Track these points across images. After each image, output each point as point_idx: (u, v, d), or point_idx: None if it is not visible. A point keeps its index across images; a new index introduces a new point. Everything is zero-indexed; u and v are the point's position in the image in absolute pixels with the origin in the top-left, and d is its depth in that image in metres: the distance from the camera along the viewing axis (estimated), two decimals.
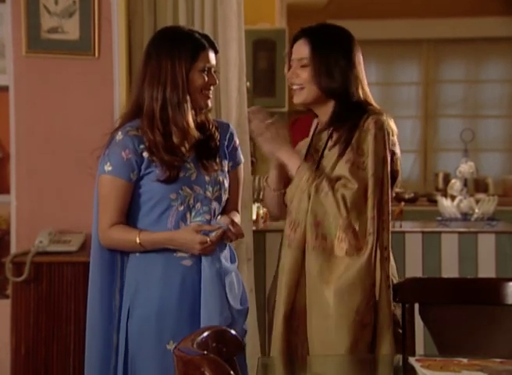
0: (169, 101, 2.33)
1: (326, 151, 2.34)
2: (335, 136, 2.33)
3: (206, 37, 2.42)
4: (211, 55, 2.39)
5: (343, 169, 2.24)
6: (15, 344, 3.23)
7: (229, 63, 3.57)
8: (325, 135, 2.40)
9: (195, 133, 2.35)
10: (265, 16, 6.27)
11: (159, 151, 2.32)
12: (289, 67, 2.41)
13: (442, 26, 7.64)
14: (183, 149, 2.35)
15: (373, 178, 2.22)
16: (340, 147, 2.28)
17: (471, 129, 5.84)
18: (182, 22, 3.53)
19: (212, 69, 2.39)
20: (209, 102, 2.42)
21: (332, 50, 2.34)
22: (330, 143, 2.35)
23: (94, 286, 2.41)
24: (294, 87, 2.38)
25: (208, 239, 2.29)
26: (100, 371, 2.38)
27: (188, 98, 2.33)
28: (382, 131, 2.27)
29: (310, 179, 2.25)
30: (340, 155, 2.27)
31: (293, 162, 2.31)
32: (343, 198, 2.19)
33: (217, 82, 2.41)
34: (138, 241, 2.32)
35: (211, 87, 2.40)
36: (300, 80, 2.36)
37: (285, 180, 2.40)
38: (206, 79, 2.37)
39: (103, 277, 2.39)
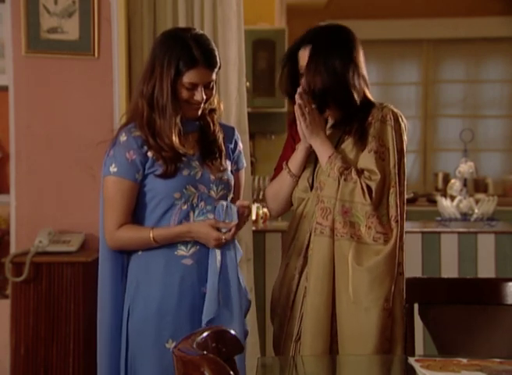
0: (156, 101, 2.33)
1: (341, 145, 2.40)
2: (348, 128, 2.40)
3: (209, 52, 2.34)
4: (204, 72, 2.33)
5: (368, 160, 2.33)
6: (14, 344, 3.23)
7: (229, 63, 3.57)
8: (336, 132, 2.45)
9: (180, 149, 2.34)
10: (265, 16, 6.27)
11: (152, 147, 2.33)
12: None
13: (442, 26, 7.64)
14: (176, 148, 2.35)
15: (394, 169, 2.34)
16: (355, 136, 2.37)
17: (471, 129, 5.84)
18: (181, 22, 3.53)
19: (200, 86, 2.34)
20: (197, 114, 2.39)
21: (331, 53, 2.37)
22: (345, 133, 2.41)
23: (105, 287, 2.41)
24: None
25: (223, 237, 2.30)
26: (114, 370, 2.39)
27: (172, 106, 2.32)
28: (398, 123, 2.39)
29: (341, 168, 2.32)
30: (356, 145, 2.36)
31: (325, 150, 2.37)
32: (369, 188, 2.29)
33: (204, 98, 2.35)
34: (152, 237, 2.32)
35: (202, 102, 2.37)
36: None
37: (302, 168, 2.45)
38: (191, 94, 2.33)
39: (113, 278, 2.40)
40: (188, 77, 2.32)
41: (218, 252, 2.33)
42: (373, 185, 2.29)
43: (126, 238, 2.35)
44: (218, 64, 2.38)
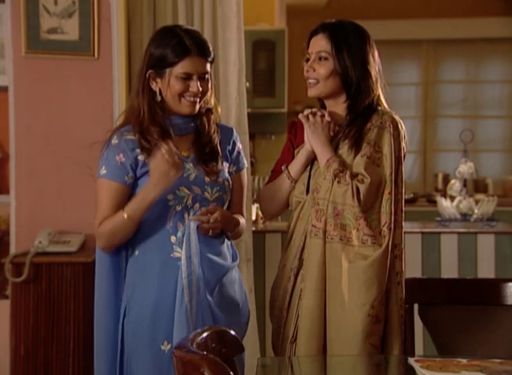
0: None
1: (340, 145, 2.41)
2: (347, 131, 2.40)
3: (200, 42, 2.33)
4: (198, 61, 2.31)
5: (359, 164, 2.33)
6: (14, 345, 3.23)
7: (229, 64, 3.57)
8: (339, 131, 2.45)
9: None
10: (265, 17, 6.27)
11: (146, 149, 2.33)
12: (307, 60, 2.46)
13: (442, 26, 7.64)
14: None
15: (390, 176, 2.33)
16: (350, 141, 2.37)
17: (471, 129, 5.83)
18: (181, 22, 3.52)
19: (195, 76, 2.32)
20: (194, 109, 2.35)
21: (352, 45, 2.45)
22: (342, 137, 2.41)
23: (101, 288, 2.41)
24: (310, 80, 2.43)
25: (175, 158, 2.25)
26: (111, 371, 2.38)
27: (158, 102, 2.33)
28: (397, 130, 2.40)
29: (336, 171, 2.32)
30: (350, 149, 2.35)
31: (325, 153, 2.37)
32: (358, 189, 2.28)
33: (200, 89, 2.32)
34: (125, 215, 2.28)
35: (198, 95, 2.34)
36: (316, 74, 2.42)
37: (302, 172, 2.45)
38: (186, 86, 2.32)
39: (109, 280, 2.39)
40: (182, 67, 2.30)
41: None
42: (362, 187, 2.29)
43: (107, 230, 2.31)
44: (212, 55, 2.36)
